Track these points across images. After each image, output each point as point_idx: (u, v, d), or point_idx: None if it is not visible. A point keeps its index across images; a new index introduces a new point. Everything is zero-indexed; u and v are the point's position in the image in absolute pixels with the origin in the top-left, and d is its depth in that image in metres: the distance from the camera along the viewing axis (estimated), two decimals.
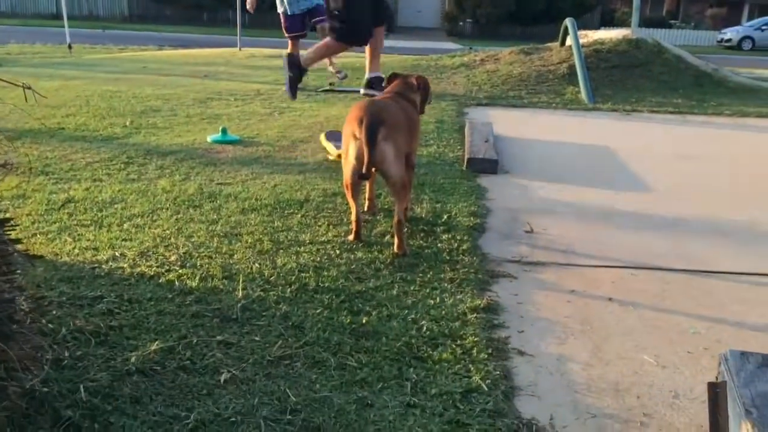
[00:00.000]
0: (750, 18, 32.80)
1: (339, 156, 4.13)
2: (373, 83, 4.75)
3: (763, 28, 28.11)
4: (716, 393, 1.32)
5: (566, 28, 8.63)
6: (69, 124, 5.17)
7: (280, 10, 7.65)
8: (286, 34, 7.70)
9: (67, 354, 1.69)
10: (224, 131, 4.72)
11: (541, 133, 5.62)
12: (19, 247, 1.49)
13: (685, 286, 2.60)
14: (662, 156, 4.89)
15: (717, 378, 1.36)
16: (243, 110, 6.06)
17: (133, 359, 1.71)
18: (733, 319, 2.31)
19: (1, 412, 1.23)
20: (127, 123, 5.25)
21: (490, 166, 4.22)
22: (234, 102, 6.45)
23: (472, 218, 3.21)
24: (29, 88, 1.51)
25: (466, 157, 4.29)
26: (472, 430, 1.60)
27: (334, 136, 4.60)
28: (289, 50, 7.46)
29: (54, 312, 1.93)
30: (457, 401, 1.71)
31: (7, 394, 1.25)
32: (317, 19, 7.61)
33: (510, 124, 5.90)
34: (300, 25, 7.55)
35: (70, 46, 12.52)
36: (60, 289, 2.10)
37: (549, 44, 9.68)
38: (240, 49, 12.73)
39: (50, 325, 1.82)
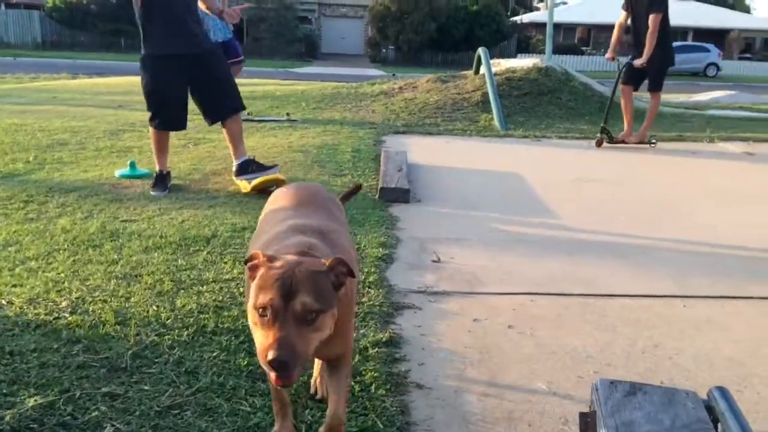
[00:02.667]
0: None
1: (254, 188, 4.10)
2: (244, 168, 4.27)
3: None
4: (586, 423, 1.37)
5: (480, 57, 8.91)
6: None
7: None
8: None
9: None
10: (132, 165, 4.60)
11: (454, 161, 5.75)
12: None
13: (582, 310, 2.69)
14: (568, 181, 5.09)
15: (590, 407, 1.41)
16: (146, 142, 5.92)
17: (7, 418, 1.62)
18: (624, 342, 2.41)
19: None
20: (31, 158, 5.04)
21: (402, 196, 4.27)
22: (147, 134, 6.29)
23: (380, 249, 3.24)
24: None
25: (379, 186, 4.34)
26: None
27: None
28: None
29: None
30: None
31: None
32: (233, 60, 7.41)
33: (425, 152, 6.02)
34: None
35: None
36: None
37: (464, 72, 9.96)
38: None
39: None
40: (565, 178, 5.19)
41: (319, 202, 1.80)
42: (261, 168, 4.23)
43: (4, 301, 2.38)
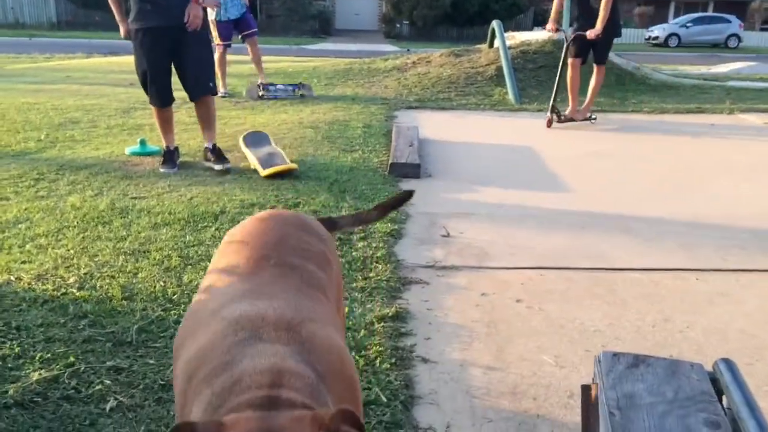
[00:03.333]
0: (676, 15, 34.07)
1: (267, 175, 4.07)
2: (212, 153, 4.22)
3: (688, 25, 29.21)
4: (588, 395, 1.35)
5: (494, 30, 8.78)
6: None
7: (211, 17, 7.32)
8: (219, 43, 7.44)
9: None
10: (143, 143, 4.61)
11: (467, 136, 5.69)
12: None
13: (591, 284, 2.66)
14: (581, 156, 5.01)
15: (593, 380, 1.39)
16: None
17: (11, 391, 1.64)
18: (633, 316, 2.38)
19: None
20: (42, 137, 5.07)
21: (413, 171, 4.24)
22: None
23: (389, 224, 3.21)
24: None
25: (389, 161, 4.30)
26: None
27: (254, 139, 4.55)
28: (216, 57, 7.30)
29: None
30: None
31: None
32: (247, 32, 7.43)
33: (437, 126, 5.96)
34: (228, 33, 7.38)
35: None
36: None
37: (478, 46, 9.82)
38: None
39: None
40: (578, 153, 5.11)
41: (289, 251, 1.22)
42: (220, 160, 4.14)
43: (12, 277, 2.39)
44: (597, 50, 5.94)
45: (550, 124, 6.03)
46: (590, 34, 5.62)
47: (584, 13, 5.80)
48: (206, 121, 4.27)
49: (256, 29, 7.49)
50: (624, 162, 4.88)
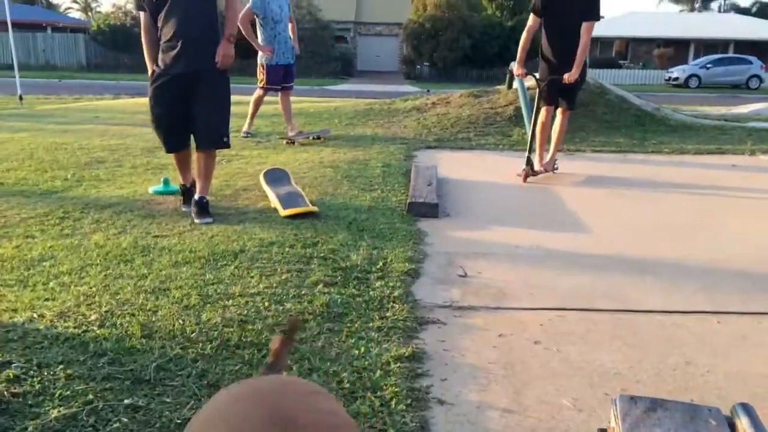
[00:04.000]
0: (696, 57, 34.17)
1: (286, 216, 4.13)
2: (199, 206, 3.96)
3: (709, 66, 29.26)
4: None
5: (512, 72, 8.86)
6: (8, 178, 5.08)
7: (261, 61, 7.18)
8: (264, 86, 7.23)
9: None
10: (166, 182, 4.69)
11: (485, 175, 5.72)
12: None
13: (612, 326, 2.63)
14: (601, 195, 5.01)
15: (610, 423, 1.37)
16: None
17: (30, 428, 1.66)
18: (654, 359, 2.35)
19: None
20: (69, 176, 5.19)
21: (431, 210, 4.26)
22: None
23: (407, 264, 3.22)
24: None
25: (408, 201, 4.33)
26: None
27: (274, 177, 4.61)
28: (255, 97, 7.38)
29: None
30: None
31: None
32: (287, 85, 7.33)
33: (456, 166, 6.00)
34: (279, 78, 7.18)
35: (20, 97, 12.38)
36: None
37: (498, 87, 9.92)
38: None
39: None
40: (597, 192, 5.11)
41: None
42: (202, 214, 3.90)
43: (35, 315, 2.43)
44: (568, 95, 5.42)
45: (525, 178, 5.39)
46: (568, 77, 5.12)
47: (556, 55, 5.28)
48: (205, 172, 4.04)
49: (293, 84, 7.49)
50: (644, 202, 4.85)
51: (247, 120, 7.54)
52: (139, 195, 4.58)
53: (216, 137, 3.99)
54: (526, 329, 2.59)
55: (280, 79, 7.17)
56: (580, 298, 2.92)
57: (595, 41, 34.07)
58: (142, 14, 3.96)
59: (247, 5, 6.84)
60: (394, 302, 2.75)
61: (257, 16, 6.94)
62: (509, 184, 5.37)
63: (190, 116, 3.93)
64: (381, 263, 3.21)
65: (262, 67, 7.07)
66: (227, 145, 4.07)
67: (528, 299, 2.90)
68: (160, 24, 3.88)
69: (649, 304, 2.85)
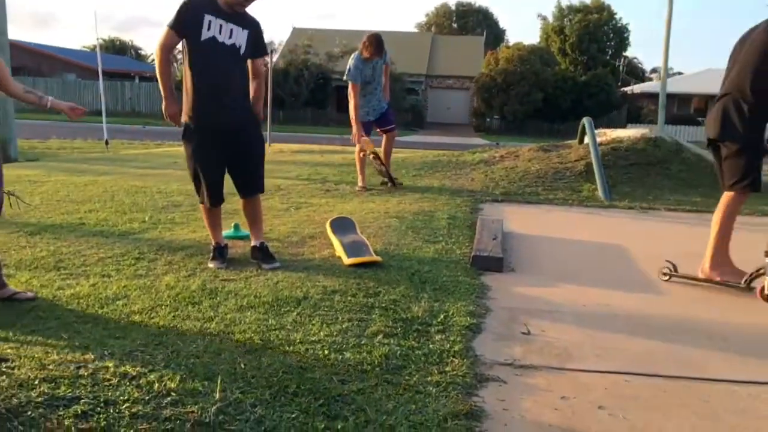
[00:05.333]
0: None
1: (350, 264, 4.17)
2: (254, 252, 4.15)
3: None
4: None
5: (584, 127, 8.79)
6: (90, 219, 5.36)
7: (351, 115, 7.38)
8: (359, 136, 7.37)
9: None
10: (236, 227, 4.84)
11: (553, 230, 5.62)
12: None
13: (681, 393, 2.51)
14: (673, 255, 4.82)
15: None
16: (262, 205, 6.19)
17: None
18: (727, 431, 2.22)
19: None
20: (146, 218, 5.43)
21: (496, 264, 4.21)
22: None
23: (468, 318, 3.19)
24: (13, 194, 1.60)
25: (472, 254, 4.31)
26: None
27: (341, 225, 4.69)
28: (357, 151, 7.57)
29: (29, 413, 1.95)
30: None
31: None
32: (387, 128, 7.57)
33: (523, 220, 5.93)
34: (368, 130, 7.46)
35: (107, 142, 13.13)
36: (40, 389, 2.13)
37: (568, 142, 9.83)
38: (269, 145, 13.18)
39: (20, 428, 1.84)
40: (672, 252, 4.92)
41: None
42: (267, 259, 4.02)
43: (106, 352, 2.53)
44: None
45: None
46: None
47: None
48: (255, 219, 4.22)
49: (394, 125, 7.70)
50: None
51: (358, 176, 7.65)
52: (210, 239, 4.73)
53: (260, 184, 4.22)
54: (590, 392, 2.50)
55: (371, 129, 7.47)
56: (648, 361, 2.80)
57: (672, 98, 33.44)
58: (173, 33, 3.80)
59: (348, 80, 7.20)
60: (453, 357, 2.71)
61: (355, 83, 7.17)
62: (577, 240, 5.26)
63: (228, 167, 4.08)
64: (442, 316, 3.19)
65: (354, 121, 7.30)
66: (263, 189, 4.30)
67: (593, 360, 2.81)
68: (193, 71, 3.85)
69: (721, 372, 2.71)
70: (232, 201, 6.29)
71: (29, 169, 9.22)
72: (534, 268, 4.38)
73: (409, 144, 19.95)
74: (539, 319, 3.30)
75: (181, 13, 3.78)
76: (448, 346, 2.82)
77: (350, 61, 7.26)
